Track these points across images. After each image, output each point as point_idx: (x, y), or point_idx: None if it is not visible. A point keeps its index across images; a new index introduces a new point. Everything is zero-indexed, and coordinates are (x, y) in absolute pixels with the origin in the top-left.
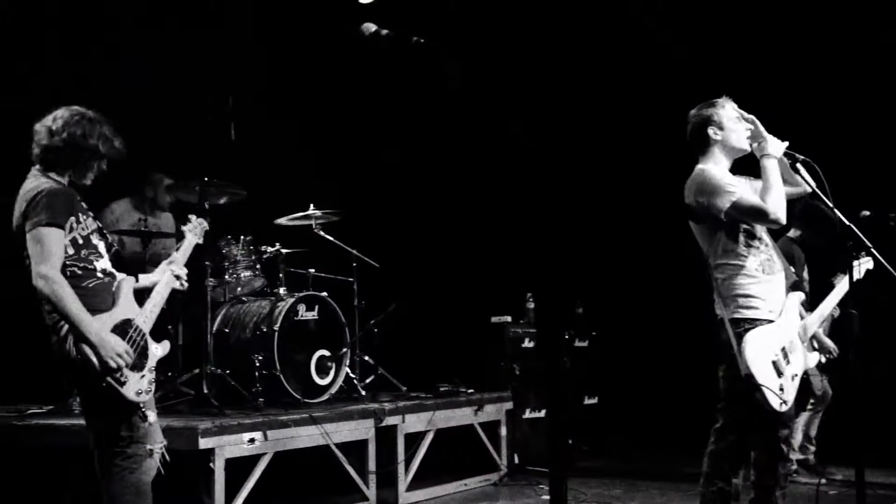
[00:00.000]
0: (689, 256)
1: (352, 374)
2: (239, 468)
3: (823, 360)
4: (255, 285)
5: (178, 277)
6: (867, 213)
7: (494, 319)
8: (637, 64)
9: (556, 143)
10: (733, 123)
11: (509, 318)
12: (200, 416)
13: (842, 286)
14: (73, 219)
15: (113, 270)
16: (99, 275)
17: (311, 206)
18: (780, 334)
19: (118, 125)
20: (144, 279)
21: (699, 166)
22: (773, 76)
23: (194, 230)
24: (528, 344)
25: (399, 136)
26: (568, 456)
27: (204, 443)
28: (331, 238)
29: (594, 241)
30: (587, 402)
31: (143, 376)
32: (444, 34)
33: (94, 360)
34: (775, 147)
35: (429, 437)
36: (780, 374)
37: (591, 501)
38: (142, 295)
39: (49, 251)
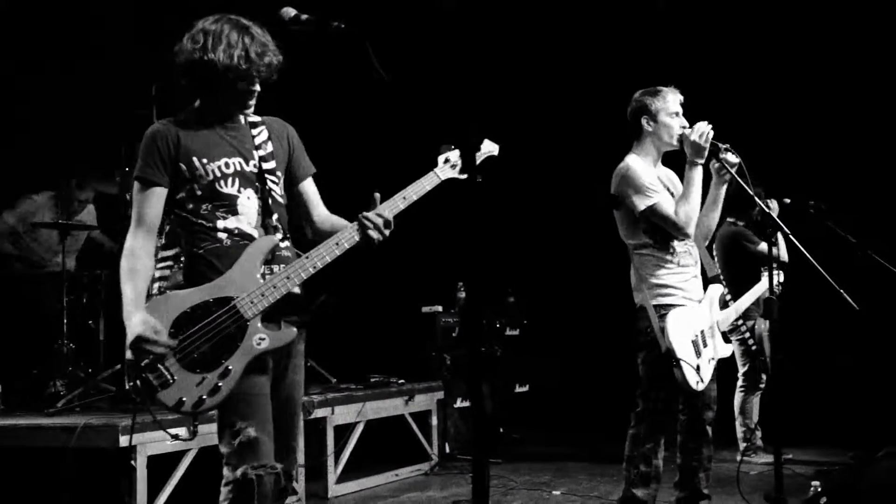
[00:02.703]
0: (616, 246)
1: None
2: (165, 465)
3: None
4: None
5: (366, 222)
6: (788, 200)
7: (425, 309)
8: (559, 54)
9: (485, 135)
10: (668, 118)
11: (440, 308)
12: (122, 412)
13: (760, 285)
14: (183, 166)
15: (250, 231)
16: (220, 236)
17: None
18: (701, 318)
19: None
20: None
21: (629, 157)
22: (701, 65)
23: (453, 161)
24: (458, 333)
25: (326, 122)
26: (498, 443)
27: (125, 440)
28: None
29: (526, 231)
30: (518, 390)
31: (203, 379)
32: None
33: (127, 352)
34: (699, 132)
35: (359, 429)
36: (698, 354)
37: (520, 488)
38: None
39: (135, 212)
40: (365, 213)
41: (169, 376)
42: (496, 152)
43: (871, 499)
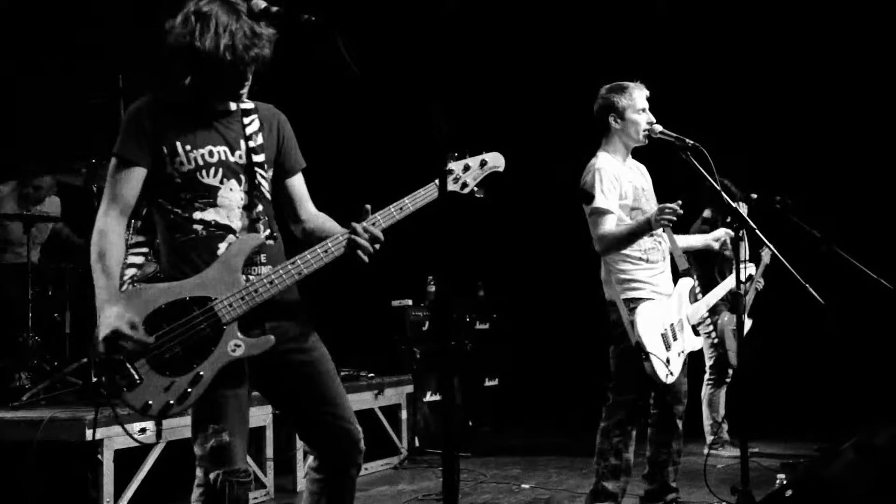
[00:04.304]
0: (587, 240)
1: None
2: (132, 459)
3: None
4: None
5: (355, 237)
6: (755, 195)
7: (395, 303)
8: (536, 51)
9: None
10: (635, 114)
11: (410, 302)
12: (88, 406)
13: (729, 281)
14: (164, 149)
15: (229, 223)
16: (195, 227)
17: None
18: (670, 312)
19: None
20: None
21: (598, 156)
22: (670, 63)
23: (455, 174)
24: (428, 327)
25: (301, 115)
26: (469, 437)
27: (91, 434)
28: None
29: (496, 225)
30: (488, 383)
31: (172, 383)
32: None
33: (99, 345)
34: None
35: None
36: (668, 347)
37: (490, 482)
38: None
39: (108, 191)
40: (354, 225)
41: (136, 376)
42: (501, 168)
43: (835, 491)
